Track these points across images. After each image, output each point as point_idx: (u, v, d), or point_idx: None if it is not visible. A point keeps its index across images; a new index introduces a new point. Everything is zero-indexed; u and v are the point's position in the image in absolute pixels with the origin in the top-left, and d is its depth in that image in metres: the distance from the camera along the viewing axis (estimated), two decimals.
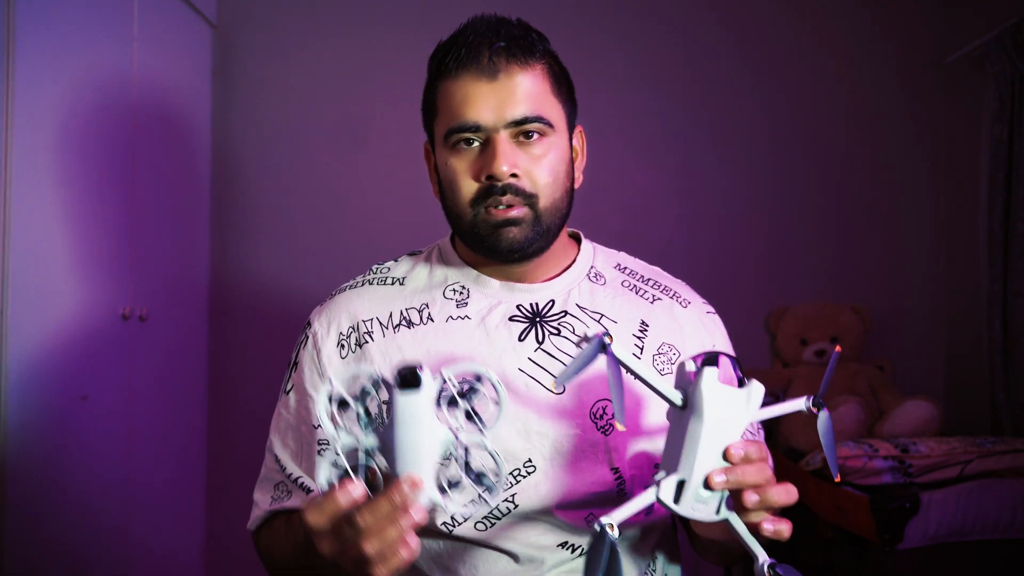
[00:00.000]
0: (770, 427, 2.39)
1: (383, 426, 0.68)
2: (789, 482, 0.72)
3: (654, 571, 0.95)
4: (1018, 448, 1.92)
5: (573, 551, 0.89)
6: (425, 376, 0.66)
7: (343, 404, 0.68)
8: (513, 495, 0.88)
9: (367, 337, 0.94)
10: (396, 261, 1.03)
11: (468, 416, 0.68)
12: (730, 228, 2.62)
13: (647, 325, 0.96)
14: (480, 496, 0.68)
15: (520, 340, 0.92)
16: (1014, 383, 2.27)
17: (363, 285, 0.99)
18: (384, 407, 0.68)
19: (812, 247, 2.65)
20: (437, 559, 0.91)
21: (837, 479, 0.77)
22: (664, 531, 0.98)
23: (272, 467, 0.97)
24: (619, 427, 0.66)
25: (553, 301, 0.95)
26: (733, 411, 0.69)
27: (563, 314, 0.95)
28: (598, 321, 0.95)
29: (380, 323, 0.94)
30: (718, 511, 0.70)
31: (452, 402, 0.68)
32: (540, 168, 0.89)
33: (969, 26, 2.50)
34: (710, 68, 2.63)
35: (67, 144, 1.72)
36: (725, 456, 0.69)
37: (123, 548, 1.89)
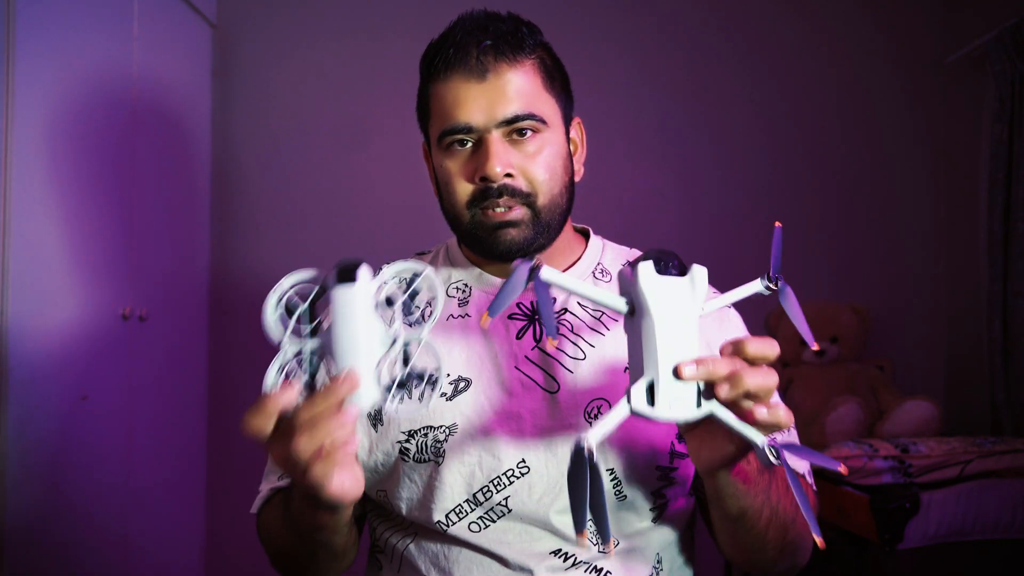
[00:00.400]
0: None
1: (326, 329, 0.67)
2: (768, 338, 0.67)
3: (661, 571, 0.93)
4: (1018, 448, 1.92)
5: (566, 560, 0.88)
6: (362, 271, 0.65)
7: (291, 310, 0.68)
8: (507, 497, 0.87)
9: None
10: (405, 261, 1.03)
11: (406, 311, 0.67)
12: (730, 228, 2.62)
13: None
14: (422, 393, 0.66)
15: (517, 338, 0.92)
16: (1014, 383, 2.27)
17: None
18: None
19: (812, 247, 2.65)
20: (435, 560, 0.91)
21: (815, 347, 0.73)
22: (676, 527, 0.94)
23: None
24: (550, 343, 0.63)
25: (554, 299, 0.95)
26: (680, 299, 0.65)
27: (563, 312, 0.94)
28: (598, 319, 0.94)
29: None
30: (698, 405, 0.64)
31: (390, 302, 0.67)
32: (535, 165, 0.88)
33: (969, 26, 2.50)
34: (710, 68, 2.63)
35: (67, 144, 1.72)
36: (721, 351, 0.66)
37: (123, 548, 1.89)
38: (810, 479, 0.96)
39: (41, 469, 1.61)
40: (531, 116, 0.88)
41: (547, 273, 0.66)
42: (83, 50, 1.77)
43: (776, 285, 0.72)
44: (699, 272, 0.67)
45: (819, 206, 2.66)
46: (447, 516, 0.88)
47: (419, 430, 0.89)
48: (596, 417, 0.89)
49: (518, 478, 0.87)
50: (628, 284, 0.67)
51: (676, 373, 0.63)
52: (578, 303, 0.95)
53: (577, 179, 0.97)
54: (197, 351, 2.36)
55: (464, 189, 0.89)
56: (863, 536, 1.86)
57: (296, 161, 2.52)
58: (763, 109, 2.64)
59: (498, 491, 0.87)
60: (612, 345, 0.93)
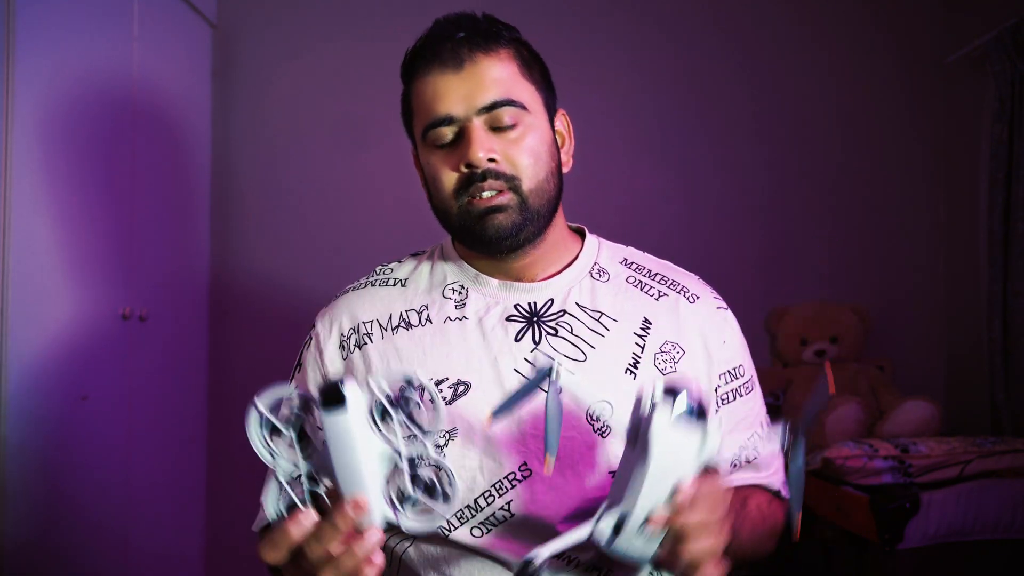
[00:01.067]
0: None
1: (320, 449, 0.65)
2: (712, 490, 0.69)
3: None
4: (1018, 448, 1.92)
5: (568, 563, 0.88)
6: (350, 391, 0.62)
7: (275, 430, 0.65)
8: (509, 502, 0.87)
9: (366, 339, 0.93)
10: (400, 262, 1.02)
11: (406, 426, 0.64)
12: (730, 228, 2.62)
13: (650, 323, 0.94)
14: (434, 506, 0.65)
15: (516, 340, 0.91)
16: (1014, 383, 2.27)
17: (366, 287, 0.99)
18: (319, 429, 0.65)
19: (812, 247, 2.65)
20: (434, 564, 0.90)
21: (798, 518, 0.72)
22: None
23: None
24: (548, 464, 0.65)
25: (552, 300, 0.94)
26: (685, 453, 0.65)
27: (562, 313, 0.93)
28: (597, 320, 0.93)
29: (380, 325, 0.94)
30: (653, 557, 0.68)
31: (386, 414, 0.64)
32: (519, 150, 0.88)
33: (969, 26, 2.50)
34: (710, 69, 2.63)
35: (67, 144, 1.72)
36: (672, 497, 0.66)
37: (123, 548, 1.89)
38: (785, 491, 1.00)
39: (41, 469, 1.61)
40: (510, 102, 0.88)
41: (564, 379, 0.66)
42: (83, 50, 1.77)
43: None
44: (714, 432, 0.66)
45: (819, 206, 2.66)
46: (448, 521, 0.87)
47: None
48: (599, 419, 0.88)
49: (520, 482, 0.87)
50: (640, 414, 0.67)
51: (648, 521, 0.65)
52: (576, 304, 0.94)
53: (565, 170, 0.96)
54: (197, 351, 2.36)
55: (450, 179, 0.89)
56: (863, 536, 1.86)
57: (296, 161, 2.52)
58: (763, 109, 2.64)
59: (500, 495, 0.87)
60: (612, 346, 0.92)
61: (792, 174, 2.65)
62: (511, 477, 0.87)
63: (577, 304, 0.94)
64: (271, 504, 0.65)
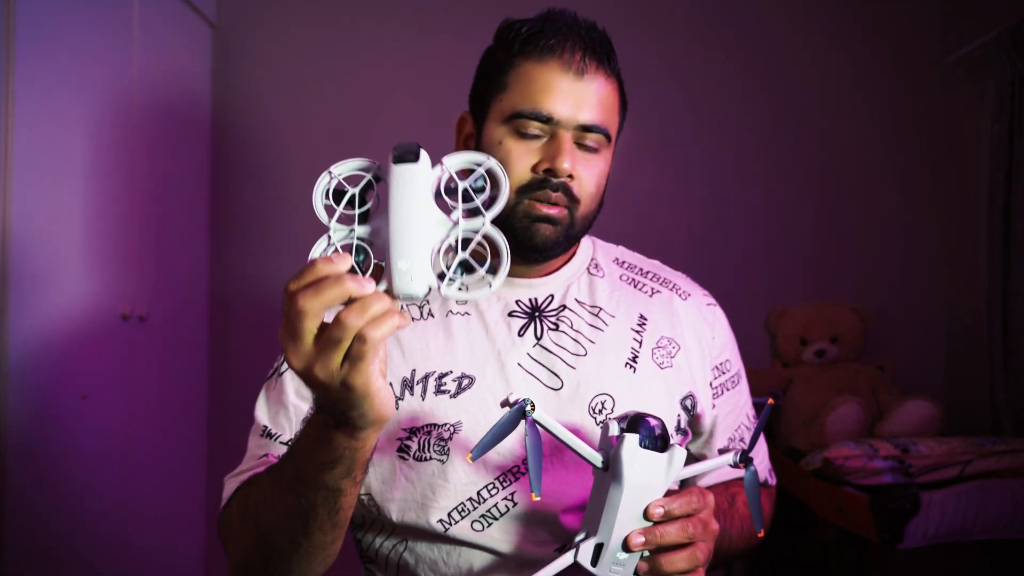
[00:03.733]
0: (770, 427, 2.39)
1: (378, 218, 0.63)
2: (702, 547, 0.73)
3: None
4: (1018, 448, 1.92)
5: None
6: (423, 154, 0.62)
7: (340, 195, 0.63)
8: (512, 493, 0.87)
9: None
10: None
11: (467, 200, 0.63)
12: (730, 228, 2.62)
13: (645, 319, 0.96)
14: (483, 277, 0.62)
15: (519, 335, 0.92)
16: (1014, 383, 2.27)
17: None
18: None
19: (812, 247, 2.65)
20: (433, 566, 0.90)
21: (760, 534, 0.79)
22: None
23: (255, 444, 0.93)
24: (534, 497, 0.66)
25: (552, 296, 0.95)
26: (654, 476, 0.69)
27: (562, 308, 0.95)
28: (596, 315, 0.95)
29: None
30: (636, 573, 0.71)
31: (451, 192, 0.63)
32: (591, 177, 0.90)
33: (969, 26, 2.50)
34: (710, 69, 2.63)
35: (67, 144, 1.72)
36: (646, 514, 0.70)
37: (123, 548, 1.89)
38: (772, 480, 1.09)
39: (41, 469, 1.61)
40: (604, 131, 0.89)
41: (539, 415, 0.68)
42: (83, 50, 1.77)
43: (745, 466, 0.76)
44: (679, 453, 0.70)
45: (819, 206, 2.66)
46: (449, 515, 0.88)
47: (421, 427, 0.89)
48: (600, 412, 0.90)
49: (523, 474, 0.87)
50: (609, 444, 0.71)
51: (625, 543, 0.69)
52: (575, 300, 0.96)
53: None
54: (197, 351, 2.36)
55: (523, 174, 0.88)
56: (863, 536, 1.86)
57: (296, 161, 2.52)
58: (763, 109, 2.64)
59: (504, 487, 0.87)
60: (611, 341, 0.94)
61: (792, 174, 2.65)
62: (515, 470, 0.88)
63: (576, 300, 0.96)
64: (315, 249, 0.63)
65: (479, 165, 0.64)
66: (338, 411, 0.63)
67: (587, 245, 1.02)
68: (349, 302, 0.59)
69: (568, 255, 0.99)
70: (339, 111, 2.53)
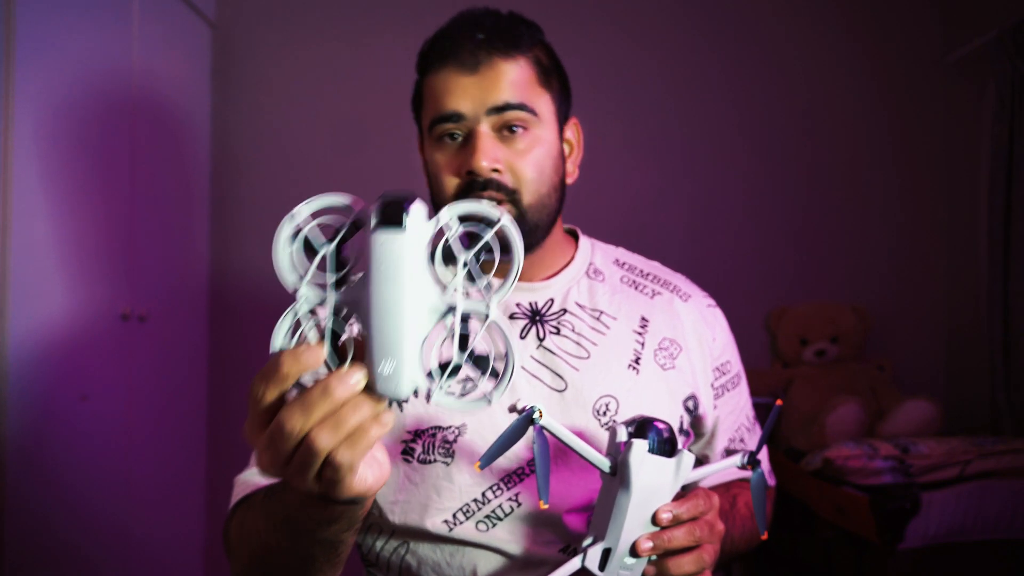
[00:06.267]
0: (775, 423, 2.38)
1: (357, 280, 0.51)
2: (709, 549, 0.74)
3: None
4: (1018, 448, 1.92)
5: (575, 556, 0.88)
6: (414, 212, 0.49)
7: (310, 247, 0.51)
8: (516, 494, 0.87)
9: None
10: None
11: (470, 276, 0.51)
12: (730, 228, 2.62)
13: (647, 321, 0.96)
14: (478, 382, 0.52)
15: (522, 338, 0.92)
16: (1014, 383, 2.27)
17: None
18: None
19: (812, 247, 2.65)
20: (436, 568, 0.90)
21: (764, 536, 0.79)
22: None
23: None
24: (542, 505, 0.66)
25: (552, 300, 0.95)
26: (662, 481, 0.69)
27: (562, 312, 0.95)
28: (597, 318, 0.95)
29: None
30: None
31: (450, 256, 0.51)
32: (524, 163, 0.87)
33: (969, 26, 2.50)
34: (710, 68, 2.63)
35: (67, 144, 1.72)
36: (654, 519, 0.70)
37: (123, 548, 1.89)
38: (771, 480, 1.09)
39: (41, 469, 1.61)
40: (522, 106, 0.87)
41: (546, 421, 0.68)
42: (83, 50, 1.77)
43: (752, 468, 0.77)
44: (687, 458, 0.70)
45: (819, 206, 2.66)
46: (454, 515, 0.87)
47: (426, 430, 0.88)
48: (604, 414, 0.89)
49: (528, 475, 0.87)
50: (616, 449, 0.71)
51: (633, 548, 0.69)
52: (576, 303, 0.95)
53: (570, 181, 0.96)
54: (197, 351, 2.36)
55: (451, 183, 0.88)
56: (863, 536, 1.86)
57: (296, 161, 2.52)
58: (763, 108, 2.64)
59: (509, 488, 0.87)
60: (614, 344, 0.94)
61: (792, 174, 2.65)
62: (520, 472, 0.88)
63: (576, 303, 0.96)
64: (279, 338, 0.52)
65: (488, 225, 0.51)
66: (313, 495, 0.56)
67: (586, 247, 1.02)
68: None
69: (566, 259, 0.99)
70: (339, 111, 2.53)
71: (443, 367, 0.52)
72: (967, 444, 1.94)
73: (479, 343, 0.52)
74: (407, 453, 0.89)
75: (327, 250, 0.51)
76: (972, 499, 1.83)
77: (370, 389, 0.50)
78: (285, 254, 0.52)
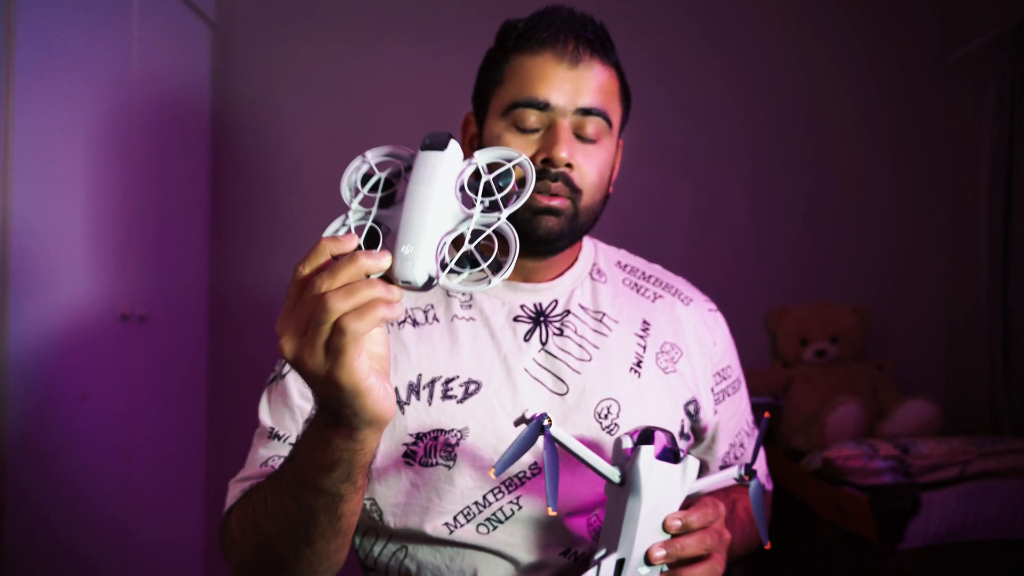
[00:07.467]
0: (770, 427, 2.39)
1: (397, 205, 0.63)
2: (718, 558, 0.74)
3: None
4: (1018, 448, 1.92)
5: (576, 559, 0.88)
6: (453, 143, 0.62)
7: (368, 179, 0.64)
8: (517, 497, 0.87)
9: None
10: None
11: (487, 194, 0.62)
12: (730, 228, 2.62)
13: (649, 324, 0.96)
14: (483, 273, 0.61)
15: (525, 340, 0.92)
16: (1014, 383, 2.27)
17: None
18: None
19: (812, 247, 2.65)
20: (436, 572, 0.89)
21: (767, 546, 0.78)
22: None
23: (260, 447, 0.89)
24: (550, 512, 0.66)
25: (556, 301, 0.95)
26: (670, 487, 0.70)
27: (566, 313, 0.94)
28: (600, 320, 0.94)
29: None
30: None
31: (475, 188, 0.63)
32: (592, 166, 0.88)
33: (969, 26, 2.50)
34: (710, 69, 2.63)
35: (67, 144, 1.72)
36: (665, 527, 0.71)
37: (123, 548, 1.89)
38: (769, 485, 1.08)
39: (41, 469, 1.61)
40: (603, 113, 0.88)
41: (555, 430, 0.68)
42: (83, 50, 1.77)
43: (749, 479, 0.76)
44: (692, 463, 0.71)
45: (819, 206, 2.66)
46: (455, 518, 0.87)
47: (428, 433, 0.88)
48: (606, 417, 0.89)
49: (530, 479, 0.87)
50: (623, 458, 0.71)
51: (647, 557, 0.70)
52: (579, 305, 0.95)
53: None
54: (197, 351, 2.36)
55: None
56: (863, 536, 1.86)
57: (296, 161, 2.52)
58: (763, 109, 2.64)
59: (510, 491, 0.87)
60: (616, 346, 0.93)
61: (792, 174, 2.65)
62: (522, 475, 0.87)
63: (580, 305, 0.95)
64: (330, 228, 0.64)
65: (509, 161, 0.64)
66: (332, 408, 0.61)
67: (589, 248, 1.02)
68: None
69: (571, 259, 0.98)
70: (339, 110, 2.53)
71: (454, 263, 0.62)
72: (967, 444, 1.94)
73: (485, 244, 0.61)
74: (409, 456, 0.88)
75: (380, 176, 0.64)
76: (972, 499, 1.83)
77: (389, 280, 0.59)
78: (348, 183, 0.65)
